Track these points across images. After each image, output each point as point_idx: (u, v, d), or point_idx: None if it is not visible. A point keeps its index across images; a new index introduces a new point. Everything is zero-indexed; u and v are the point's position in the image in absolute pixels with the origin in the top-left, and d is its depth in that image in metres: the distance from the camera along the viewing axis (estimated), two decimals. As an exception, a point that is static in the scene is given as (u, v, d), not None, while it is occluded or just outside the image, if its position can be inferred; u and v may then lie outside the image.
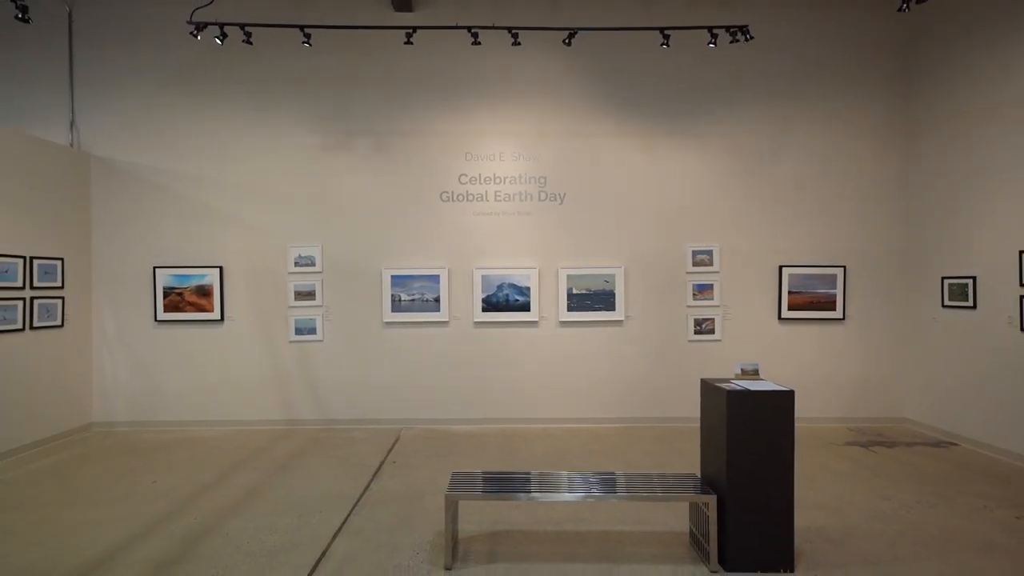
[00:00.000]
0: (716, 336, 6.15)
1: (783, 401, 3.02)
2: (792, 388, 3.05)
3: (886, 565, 3.07)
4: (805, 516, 3.64)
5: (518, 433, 5.83)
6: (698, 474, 3.42)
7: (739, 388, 3.07)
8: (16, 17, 4.25)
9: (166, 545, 3.34)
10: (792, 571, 2.99)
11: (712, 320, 6.16)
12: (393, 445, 5.47)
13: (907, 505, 3.87)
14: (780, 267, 6.12)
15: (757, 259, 6.13)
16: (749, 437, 3.00)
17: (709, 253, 6.16)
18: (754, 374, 3.35)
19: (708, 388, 3.30)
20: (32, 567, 3.08)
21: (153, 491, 4.23)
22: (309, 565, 3.10)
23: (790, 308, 6.13)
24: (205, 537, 3.44)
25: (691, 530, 3.36)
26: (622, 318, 6.12)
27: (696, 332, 6.15)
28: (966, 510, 3.79)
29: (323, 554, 3.25)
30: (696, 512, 3.27)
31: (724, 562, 3.02)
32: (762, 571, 2.99)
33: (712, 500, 3.05)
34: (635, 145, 6.11)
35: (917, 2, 4.07)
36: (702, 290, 6.17)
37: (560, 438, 5.64)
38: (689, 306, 6.15)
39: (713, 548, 3.02)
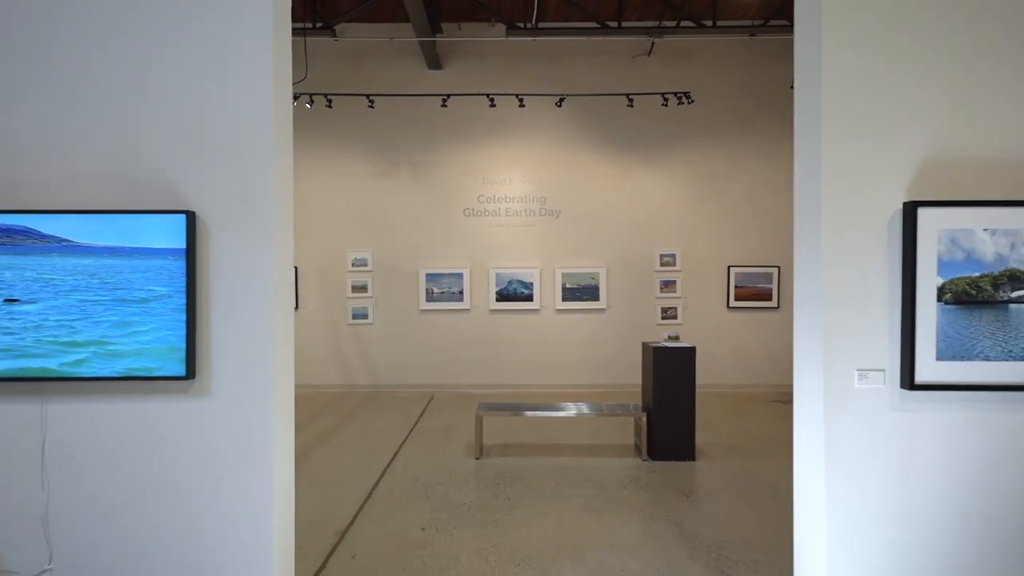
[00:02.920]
0: (678, 321, 7.89)
1: (688, 354, 4.79)
2: (694, 346, 4.81)
3: (749, 457, 4.84)
4: (713, 437, 5.42)
5: (523, 395, 7.61)
6: (640, 403, 5.20)
7: (662, 346, 4.85)
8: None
9: (295, 448, 5.19)
10: (694, 460, 4.76)
11: (675, 308, 7.90)
12: (429, 401, 7.29)
13: (786, 432, 5.62)
14: (728, 267, 7.84)
15: (710, 260, 7.86)
16: (667, 376, 4.77)
17: (673, 256, 7.90)
18: (676, 339, 5.11)
19: (645, 347, 5.07)
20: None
21: (269, 423, 6.08)
22: (389, 458, 4.92)
23: (736, 299, 7.86)
24: (316, 446, 5.28)
25: (635, 441, 5.14)
26: (604, 307, 7.88)
27: (662, 317, 7.90)
28: (828, 434, 5.54)
29: (395, 454, 5.06)
30: (637, 427, 5.05)
31: (651, 455, 4.80)
32: (675, 460, 4.76)
33: (644, 416, 4.83)
34: (615, 171, 7.84)
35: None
36: (667, 285, 7.91)
37: (555, 399, 7.42)
38: (657, 297, 7.90)
39: (644, 446, 4.81)
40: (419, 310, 7.89)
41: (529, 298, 7.86)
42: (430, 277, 7.88)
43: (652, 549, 3.24)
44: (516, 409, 5.01)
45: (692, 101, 6.88)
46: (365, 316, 7.92)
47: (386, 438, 5.52)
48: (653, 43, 7.26)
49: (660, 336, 7.73)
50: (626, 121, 7.68)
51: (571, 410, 5.00)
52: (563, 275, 7.86)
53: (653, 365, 4.80)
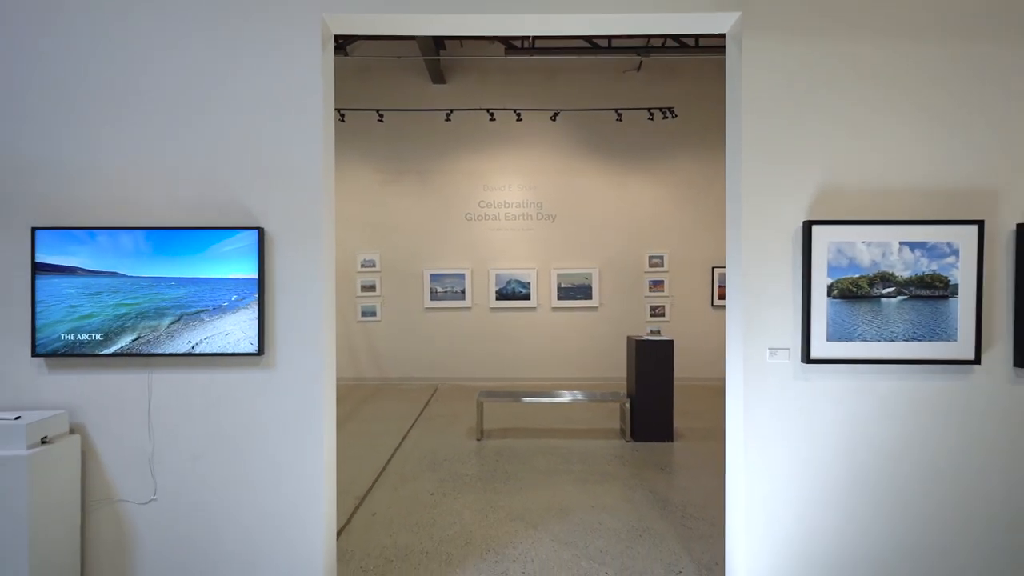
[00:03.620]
0: (666, 318, 8.45)
1: (667, 346, 5.35)
2: (672, 339, 5.38)
3: (723, 439, 5.38)
4: (692, 423, 5.97)
5: (520, 386, 8.17)
6: (625, 391, 5.75)
7: (644, 339, 5.41)
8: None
9: (314, 431, 5.75)
10: (672, 441, 5.32)
11: (663, 306, 8.46)
12: (434, 392, 7.85)
13: (761, 418, 6.19)
14: (712, 267, 8.40)
15: (696, 262, 8.42)
16: (648, 366, 5.34)
17: (661, 257, 8.46)
18: (657, 333, 5.67)
19: (629, 340, 5.64)
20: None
21: (288, 411, 6.65)
22: (399, 440, 5.48)
23: (720, 297, 8.42)
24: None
25: (620, 426, 5.70)
26: (597, 305, 8.44)
27: (651, 315, 8.45)
28: (796, 420, 6.11)
29: (405, 436, 5.63)
30: (622, 413, 5.61)
31: (634, 437, 5.36)
32: (655, 441, 5.32)
33: (628, 402, 5.39)
34: (607, 179, 8.40)
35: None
36: (655, 284, 8.46)
37: (550, 389, 7.97)
38: (646, 296, 8.45)
39: (627, 429, 5.37)
40: (424, 308, 8.45)
41: (527, 297, 8.42)
42: (434, 277, 8.44)
43: (628, 509, 3.81)
44: (514, 396, 5.58)
45: (675, 116, 7.45)
46: (373, 314, 8.49)
47: (395, 424, 6.09)
48: (641, 61, 7.82)
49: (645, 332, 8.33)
50: (616, 133, 8.24)
51: (563, 397, 5.57)
52: (558, 275, 8.41)
53: (636, 356, 5.37)
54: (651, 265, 8.45)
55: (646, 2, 2.40)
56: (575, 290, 8.43)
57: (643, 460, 4.84)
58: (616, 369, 8.32)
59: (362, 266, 8.47)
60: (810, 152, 2.36)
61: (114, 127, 2.37)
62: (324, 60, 2.46)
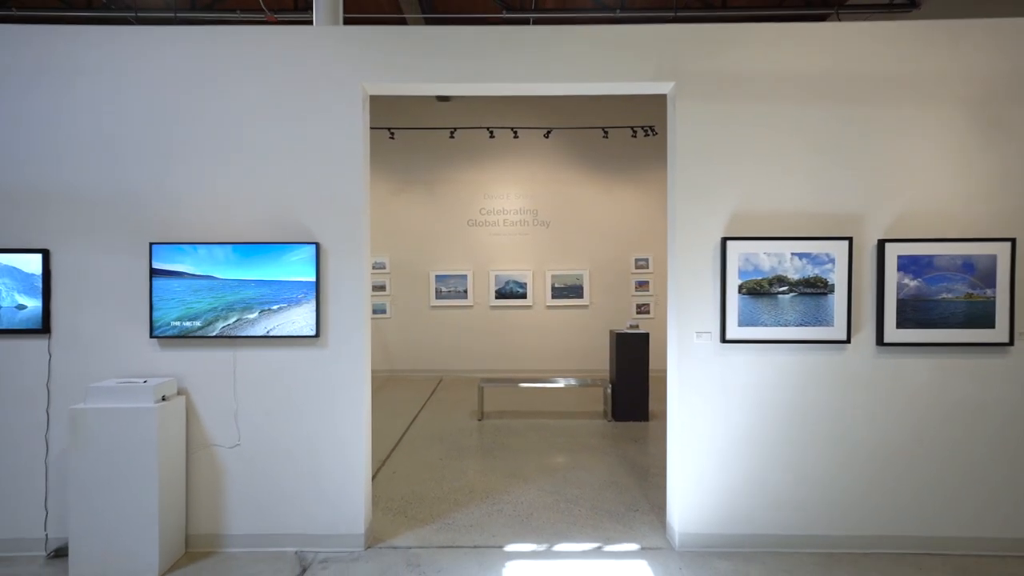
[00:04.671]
0: (651, 316, 9.25)
1: (642, 338, 6.16)
2: (648, 331, 6.19)
3: (694, 419, 6.20)
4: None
5: (517, 378, 8.97)
6: (608, 377, 6.56)
7: (624, 332, 6.22)
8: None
9: (335, 413, 6.57)
10: (647, 420, 6.13)
11: (648, 304, 9.27)
12: (439, 383, 8.66)
13: (730, 403, 7.00)
14: (693, 270, 9.19)
15: (678, 264, 9.21)
16: (627, 355, 6.15)
17: (646, 260, 9.26)
18: (636, 327, 6.47)
19: (611, 333, 6.45)
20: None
21: (310, 397, 7.47)
22: (409, 420, 6.30)
23: (700, 297, 9.22)
24: (353, 411, 6.66)
25: (604, 408, 6.51)
26: (587, 303, 9.24)
27: (637, 312, 9.26)
28: (760, 404, 6.92)
29: (414, 418, 6.44)
30: (604, 396, 6.42)
31: (615, 417, 6.17)
32: (632, 420, 6.13)
33: (609, 386, 6.20)
34: (596, 189, 9.21)
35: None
36: (641, 285, 9.27)
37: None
38: (632, 295, 9.26)
39: (608, 410, 6.18)
40: (429, 306, 9.27)
41: (523, 296, 9.23)
42: (439, 278, 9.26)
43: (602, 468, 4.62)
44: (512, 382, 6.40)
45: (656, 133, 8.27)
46: (383, 311, 9.30)
47: (405, 408, 6.91)
48: (627, 81, 8.63)
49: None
50: (603, 149, 9.04)
51: (553, 382, 6.39)
52: (552, 276, 9.22)
53: (616, 346, 6.19)
54: (637, 267, 9.25)
55: (610, 75, 3.22)
56: (568, 290, 9.23)
57: (620, 435, 5.66)
58: (604, 362, 9.13)
59: (373, 268, 9.28)
60: (727, 184, 3.18)
61: (213, 168, 3.19)
62: (363, 116, 3.28)
